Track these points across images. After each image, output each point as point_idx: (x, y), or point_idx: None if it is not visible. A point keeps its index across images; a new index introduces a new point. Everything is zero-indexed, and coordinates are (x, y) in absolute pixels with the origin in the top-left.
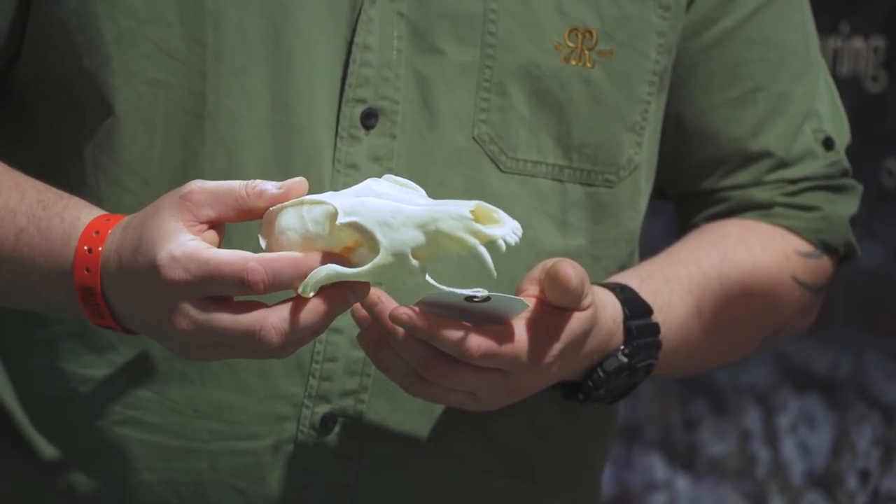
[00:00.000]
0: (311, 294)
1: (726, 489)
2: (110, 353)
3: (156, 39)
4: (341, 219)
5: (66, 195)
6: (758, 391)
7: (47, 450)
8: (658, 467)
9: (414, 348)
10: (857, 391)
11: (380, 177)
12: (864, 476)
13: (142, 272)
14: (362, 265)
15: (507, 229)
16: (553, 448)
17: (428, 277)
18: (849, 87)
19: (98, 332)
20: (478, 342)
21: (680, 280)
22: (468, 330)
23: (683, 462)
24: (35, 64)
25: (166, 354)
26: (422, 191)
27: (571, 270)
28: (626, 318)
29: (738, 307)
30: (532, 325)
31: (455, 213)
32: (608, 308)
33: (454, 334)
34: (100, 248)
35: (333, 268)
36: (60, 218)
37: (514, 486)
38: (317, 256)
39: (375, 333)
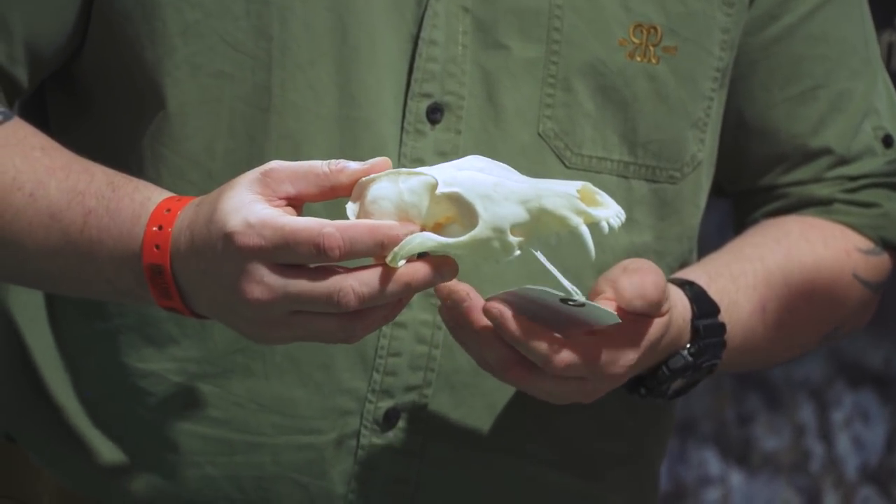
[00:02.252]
0: (401, 263)
1: (780, 484)
2: (171, 347)
3: (222, 32)
4: (441, 188)
5: (135, 179)
6: (812, 386)
7: (106, 444)
8: (712, 462)
9: (497, 350)
10: None
11: None
12: None
13: (214, 242)
14: None
15: (611, 212)
16: (614, 444)
17: (539, 255)
18: None
19: (158, 325)
20: (564, 356)
21: (745, 277)
22: (558, 343)
23: (737, 457)
24: (98, 55)
25: (229, 348)
26: (517, 172)
27: (653, 279)
28: (695, 318)
29: (800, 304)
30: (615, 334)
31: (561, 191)
32: (678, 307)
33: (543, 346)
34: (170, 228)
35: (428, 235)
36: (130, 198)
37: (575, 482)
38: (403, 226)
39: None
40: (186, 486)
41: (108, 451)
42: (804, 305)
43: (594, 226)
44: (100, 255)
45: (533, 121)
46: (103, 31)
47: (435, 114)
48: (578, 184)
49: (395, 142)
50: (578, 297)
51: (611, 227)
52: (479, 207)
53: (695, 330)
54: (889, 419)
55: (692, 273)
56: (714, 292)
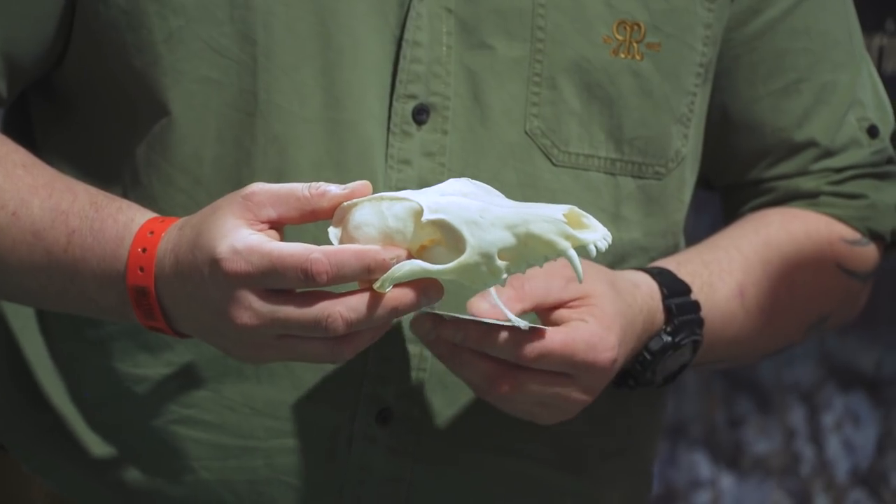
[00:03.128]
0: (388, 289)
1: (770, 487)
2: (165, 352)
3: (206, 38)
4: (427, 216)
5: (118, 198)
6: (802, 389)
7: (100, 450)
8: (702, 465)
9: (477, 366)
10: None
11: (433, 172)
12: None
13: (200, 268)
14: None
15: (598, 234)
16: (606, 440)
17: (492, 291)
18: (894, 85)
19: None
20: (531, 345)
21: (720, 263)
22: (519, 333)
23: (728, 460)
24: (83, 65)
25: (222, 352)
26: (501, 195)
27: (488, 306)
28: (665, 297)
29: (781, 291)
30: (566, 327)
31: (548, 215)
32: (642, 287)
33: (505, 335)
34: (154, 251)
35: (417, 263)
36: (114, 219)
37: (567, 479)
38: (389, 250)
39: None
40: (180, 490)
41: (101, 457)
42: (785, 293)
43: (582, 248)
44: (84, 274)
45: (519, 119)
46: (88, 40)
47: (421, 115)
48: (565, 207)
49: (381, 143)
50: (522, 323)
51: (598, 250)
52: (467, 233)
53: (668, 310)
54: (879, 422)
55: (661, 262)
56: (684, 275)
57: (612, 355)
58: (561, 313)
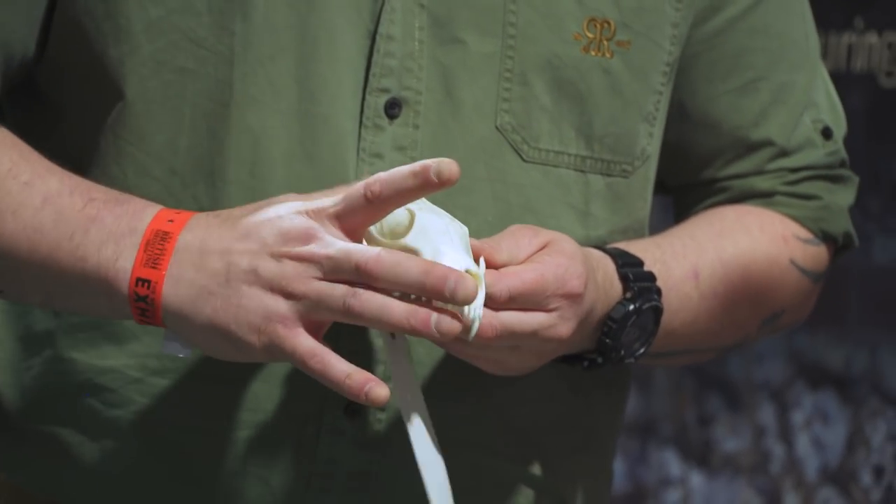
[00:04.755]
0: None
1: (740, 485)
2: (131, 343)
3: (185, 28)
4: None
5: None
6: (772, 387)
7: (61, 443)
8: (672, 463)
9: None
10: (871, 387)
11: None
12: (879, 472)
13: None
14: None
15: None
16: (569, 437)
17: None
18: (863, 83)
19: (119, 321)
20: (501, 284)
21: (673, 246)
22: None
23: (698, 458)
24: (60, 57)
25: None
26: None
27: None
28: (619, 266)
29: (735, 280)
30: (532, 262)
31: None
32: (596, 253)
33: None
34: (189, 214)
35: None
36: (141, 200)
37: (531, 474)
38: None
39: None
40: (147, 480)
41: (63, 448)
42: (739, 283)
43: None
44: (90, 230)
45: (490, 114)
46: (65, 30)
47: (393, 109)
48: (472, 267)
49: (353, 137)
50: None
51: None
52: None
53: (624, 278)
54: (849, 420)
55: (610, 245)
56: (634, 251)
57: (581, 282)
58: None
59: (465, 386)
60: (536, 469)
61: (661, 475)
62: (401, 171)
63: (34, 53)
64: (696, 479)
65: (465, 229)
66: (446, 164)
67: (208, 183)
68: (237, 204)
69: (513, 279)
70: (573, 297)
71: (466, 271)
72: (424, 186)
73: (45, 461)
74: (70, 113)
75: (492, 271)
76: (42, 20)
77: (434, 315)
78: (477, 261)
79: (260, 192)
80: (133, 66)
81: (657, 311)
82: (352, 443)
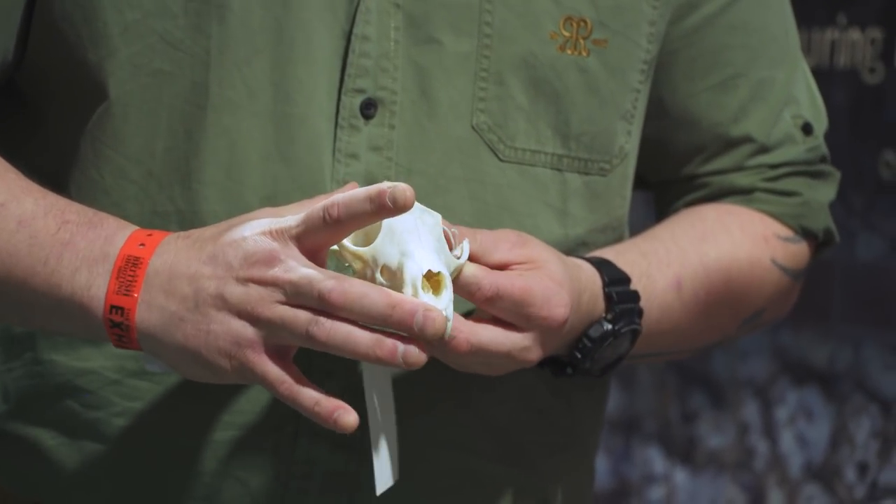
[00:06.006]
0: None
1: (724, 482)
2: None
3: (161, 31)
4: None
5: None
6: (756, 384)
7: (41, 444)
8: (656, 460)
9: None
10: (855, 384)
11: (380, 166)
12: (863, 468)
13: (234, 223)
14: None
15: (442, 304)
16: (549, 434)
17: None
18: (846, 79)
19: None
20: (490, 280)
21: (657, 254)
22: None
23: (682, 455)
24: (40, 62)
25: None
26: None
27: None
28: (605, 285)
29: (717, 285)
30: (523, 274)
31: (417, 264)
32: (585, 269)
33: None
34: (162, 236)
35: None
36: (115, 220)
37: (513, 474)
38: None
39: None
40: (124, 482)
41: (44, 450)
42: (721, 286)
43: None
44: (63, 256)
45: (466, 114)
46: (44, 35)
47: (369, 109)
48: (434, 267)
49: (329, 137)
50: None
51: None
52: (382, 235)
53: (608, 297)
54: (833, 417)
55: (599, 252)
56: (623, 265)
57: (566, 312)
58: (508, 273)
59: (443, 386)
60: (517, 469)
61: (645, 472)
62: (357, 196)
63: (13, 58)
64: (680, 476)
65: (438, 217)
66: (401, 190)
67: (185, 185)
68: (213, 206)
69: (503, 279)
70: (555, 325)
71: (432, 272)
72: (380, 211)
73: (27, 462)
74: (50, 117)
75: (483, 266)
76: (21, 26)
77: (400, 346)
78: (451, 247)
79: (236, 194)
80: (112, 69)
81: (635, 334)
82: (329, 444)
